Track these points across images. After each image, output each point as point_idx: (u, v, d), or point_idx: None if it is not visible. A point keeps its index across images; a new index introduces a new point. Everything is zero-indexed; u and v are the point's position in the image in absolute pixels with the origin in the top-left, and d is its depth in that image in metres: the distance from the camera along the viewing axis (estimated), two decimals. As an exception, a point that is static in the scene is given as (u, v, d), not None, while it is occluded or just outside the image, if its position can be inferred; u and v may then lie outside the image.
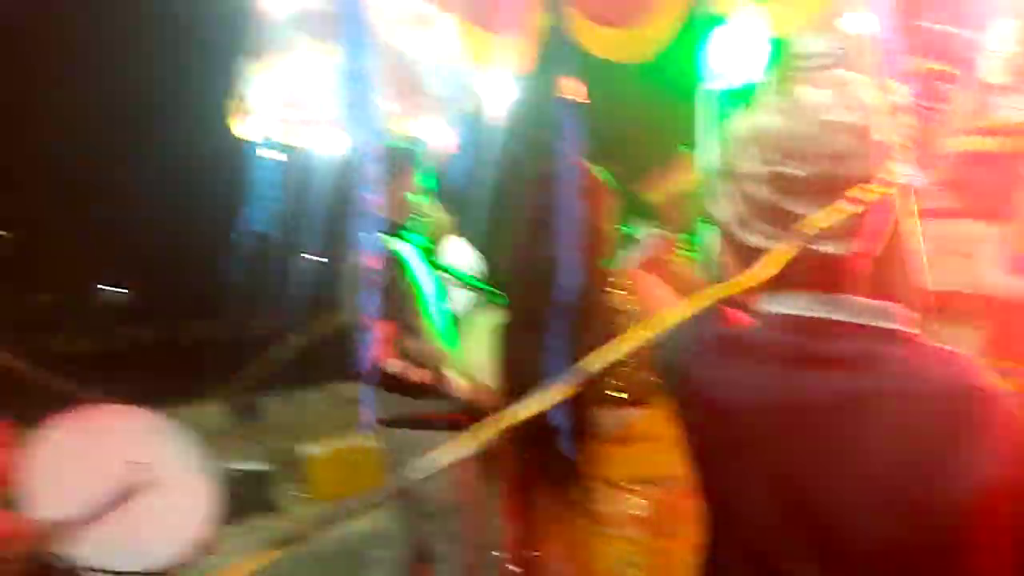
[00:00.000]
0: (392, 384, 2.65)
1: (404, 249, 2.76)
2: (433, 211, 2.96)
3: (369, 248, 2.10)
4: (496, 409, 2.33)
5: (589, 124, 2.10)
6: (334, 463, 5.51)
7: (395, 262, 2.66)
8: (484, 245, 2.89)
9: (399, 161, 2.81)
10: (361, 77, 2.17)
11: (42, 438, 2.23)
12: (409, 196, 2.82)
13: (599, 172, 2.17)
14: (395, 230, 2.79)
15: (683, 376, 1.08)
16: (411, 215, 2.82)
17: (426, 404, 2.75)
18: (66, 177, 12.25)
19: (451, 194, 3.13)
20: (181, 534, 2.28)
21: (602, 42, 2.09)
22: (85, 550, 2.12)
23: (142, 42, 10.56)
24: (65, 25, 11.18)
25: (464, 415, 2.82)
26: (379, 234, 2.58)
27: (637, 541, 1.81)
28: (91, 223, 12.74)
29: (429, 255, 2.86)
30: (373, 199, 2.19)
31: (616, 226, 2.18)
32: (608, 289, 2.06)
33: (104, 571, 2.13)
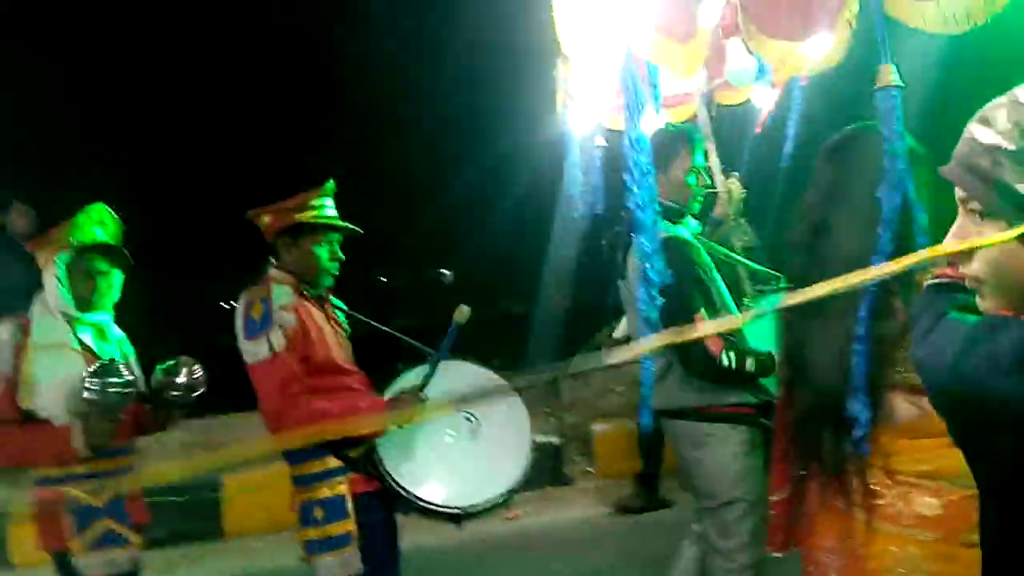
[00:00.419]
0: (717, 374, 2.64)
1: (686, 232, 2.75)
2: (724, 190, 2.90)
3: (652, 232, 2.12)
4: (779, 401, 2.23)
5: (914, 101, 1.91)
6: (620, 441, 5.67)
7: (680, 245, 2.65)
8: (777, 227, 2.78)
9: (676, 144, 2.80)
10: (633, 68, 2.19)
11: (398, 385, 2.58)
12: (690, 179, 2.79)
13: (917, 147, 1.97)
14: (678, 214, 2.78)
15: (968, 386, 0.98)
16: (694, 197, 2.80)
17: (720, 395, 2.71)
18: (412, 174, 14.07)
19: (753, 173, 3.06)
20: (494, 483, 2.49)
21: (928, 17, 1.90)
22: (410, 478, 2.42)
23: (475, 59, 12.15)
24: (423, 58, 13.30)
25: (754, 409, 2.74)
26: (661, 218, 2.59)
27: (925, 543, 1.62)
28: (432, 211, 14.49)
29: (711, 238, 2.82)
30: (652, 184, 2.21)
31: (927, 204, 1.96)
32: (917, 275, 1.87)
33: (418, 499, 2.41)
